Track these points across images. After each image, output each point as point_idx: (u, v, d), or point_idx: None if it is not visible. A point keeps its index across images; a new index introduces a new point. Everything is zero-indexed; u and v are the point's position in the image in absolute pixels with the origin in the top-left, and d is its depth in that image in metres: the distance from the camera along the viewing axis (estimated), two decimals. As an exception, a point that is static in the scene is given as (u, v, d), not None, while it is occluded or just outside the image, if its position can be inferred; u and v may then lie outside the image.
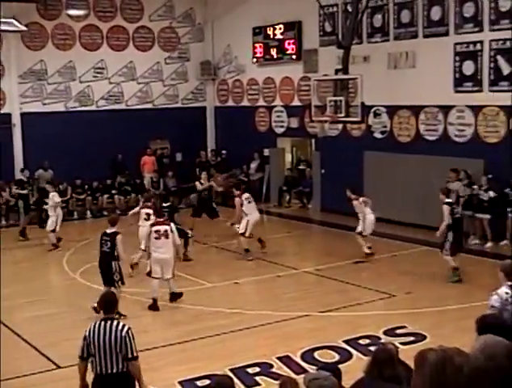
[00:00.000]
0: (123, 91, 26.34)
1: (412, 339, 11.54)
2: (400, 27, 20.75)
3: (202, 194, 20.26)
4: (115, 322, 7.59)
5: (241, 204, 17.89)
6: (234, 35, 26.56)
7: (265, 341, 11.90)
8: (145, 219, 16.22)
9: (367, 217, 17.21)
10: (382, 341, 11.05)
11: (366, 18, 21.20)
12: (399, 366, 5.58)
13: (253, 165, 25.79)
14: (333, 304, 13.84)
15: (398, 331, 11.96)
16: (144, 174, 25.77)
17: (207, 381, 9.56)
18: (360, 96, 19.58)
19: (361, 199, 17.35)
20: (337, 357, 10.85)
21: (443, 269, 15.25)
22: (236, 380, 9.30)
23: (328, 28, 22.59)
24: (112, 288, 12.20)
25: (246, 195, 18.15)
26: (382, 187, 20.92)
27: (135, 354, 7.53)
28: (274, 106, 25.59)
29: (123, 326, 7.58)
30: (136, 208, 17.87)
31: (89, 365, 7.70)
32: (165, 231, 13.80)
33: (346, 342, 11.46)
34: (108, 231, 13.21)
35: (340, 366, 6.97)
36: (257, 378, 10.15)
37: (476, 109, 18.96)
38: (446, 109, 19.73)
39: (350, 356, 10.93)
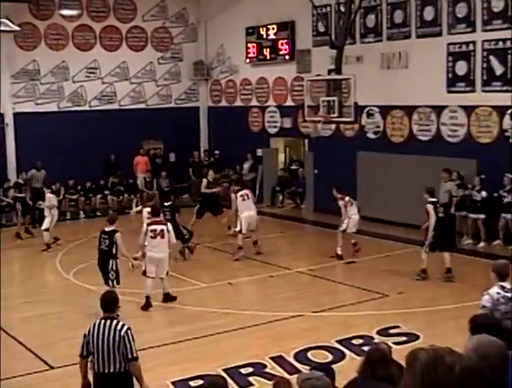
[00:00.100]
0: (116, 91, 26.31)
1: (405, 338, 11.55)
2: (393, 27, 20.78)
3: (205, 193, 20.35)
4: (114, 322, 7.57)
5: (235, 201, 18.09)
6: (227, 36, 26.55)
7: (258, 341, 11.89)
8: (148, 218, 16.23)
9: (352, 218, 17.27)
10: (375, 341, 11.06)
11: (359, 18, 21.22)
12: (392, 366, 5.59)
13: (247, 165, 25.78)
14: (326, 304, 13.85)
15: (391, 331, 11.98)
16: (137, 174, 25.74)
17: (201, 382, 9.57)
18: (353, 96, 19.60)
19: (346, 198, 17.38)
20: (330, 357, 10.85)
21: (436, 269, 15.29)
22: (229, 380, 9.30)
23: (321, 28, 22.61)
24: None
25: (242, 192, 18.15)
26: (375, 188, 20.98)
27: (135, 354, 7.51)
28: (268, 106, 25.60)
29: (123, 325, 7.56)
30: (139, 207, 17.91)
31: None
32: (162, 231, 13.81)
33: (339, 342, 11.46)
34: (107, 229, 13.22)
35: (333, 366, 6.97)
36: (250, 379, 10.15)
37: (469, 109, 19.00)
38: (439, 109, 19.77)
39: (343, 356, 10.93)
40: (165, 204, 17.32)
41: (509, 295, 7.83)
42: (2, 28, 22.50)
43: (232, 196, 18.56)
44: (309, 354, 10.98)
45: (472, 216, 18.31)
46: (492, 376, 3.78)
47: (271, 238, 19.94)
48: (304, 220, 22.98)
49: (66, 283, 15.98)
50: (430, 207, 15.11)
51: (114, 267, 13.06)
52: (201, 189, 20.41)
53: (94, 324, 7.63)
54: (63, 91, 25.34)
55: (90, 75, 25.74)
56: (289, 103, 24.62)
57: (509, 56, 17.95)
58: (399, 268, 16.01)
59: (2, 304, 13.43)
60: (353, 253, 17.41)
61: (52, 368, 10.75)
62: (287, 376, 9.17)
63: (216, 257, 18.19)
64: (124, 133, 25.03)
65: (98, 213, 23.98)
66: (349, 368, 8.02)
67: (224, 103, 27.64)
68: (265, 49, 24.93)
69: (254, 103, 26.18)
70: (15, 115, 24.38)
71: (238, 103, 26.90)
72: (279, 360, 10.77)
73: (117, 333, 7.46)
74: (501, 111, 18.24)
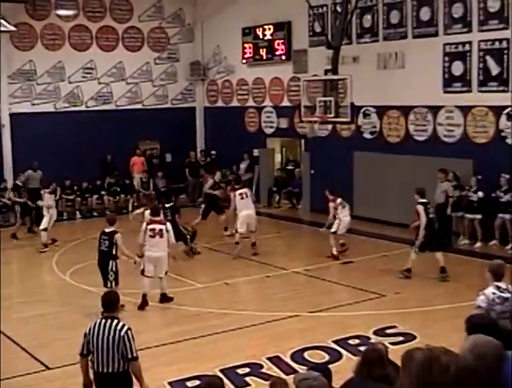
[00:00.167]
0: (113, 92, 26.30)
1: (402, 338, 11.57)
2: (389, 27, 20.79)
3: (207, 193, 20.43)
4: (115, 322, 7.60)
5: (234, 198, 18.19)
6: (224, 36, 26.55)
7: (255, 341, 11.90)
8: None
9: (343, 220, 17.32)
10: (372, 341, 11.06)
11: (355, 18, 21.23)
12: (389, 366, 5.59)
13: (243, 165, 25.77)
14: (322, 304, 13.87)
15: (388, 331, 11.99)
16: (133, 174, 25.72)
17: (198, 382, 9.57)
18: (350, 97, 19.60)
19: (338, 200, 17.40)
20: (326, 357, 10.85)
21: (431, 269, 15.32)
22: (226, 380, 9.31)
23: (317, 29, 22.61)
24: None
25: (241, 190, 18.21)
26: (372, 188, 21.00)
27: (134, 355, 7.54)
28: (264, 106, 25.59)
29: (123, 326, 7.58)
30: (141, 209, 17.95)
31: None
32: (160, 230, 13.84)
33: (336, 342, 11.47)
34: (107, 230, 13.23)
35: (330, 366, 6.98)
36: (247, 379, 10.15)
37: (465, 109, 19.03)
38: (435, 109, 19.79)
39: (340, 356, 10.94)
40: (166, 205, 17.37)
41: (504, 295, 7.85)
42: (-1, 29, 22.51)
43: (231, 194, 18.58)
44: (306, 354, 10.99)
45: (469, 216, 18.32)
46: (488, 376, 3.79)
47: (268, 238, 19.94)
48: (300, 220, 22.99)
49: (63, 283, 15.96)
50: (420, 208, 15.21)
51: (113, 268, 13.09)
52: (204, 189, 20.40)
53: (95, 323, 7.66)
54: (59, 92, 25.32)
55: (87, 75, 25.72)
56: (285, 103, 24.62)
57: (506, 57, 17.97)
58: (395, 268, 16.02)
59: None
60: (340, 253, 17.47)
61: (48, 368, 10.75)
62: (283, 376, 9.18)
63: (213, 257, 18.18)
64: (121, 134, 25.02)
65: (95, 214, 24.00)
66: (345, 368, 8.02)
67: (220, 104, 27.64)
68: (261, 49, 24.93)
69: (251, 103, 26.17)
70: (12, 115, 24.34)
71: (235, 103, 26.90)
72: (275, 360, 10.78)
73: (117, 333, 7.49)
74: (498, 111, 18.27)
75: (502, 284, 7.96)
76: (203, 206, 20.51)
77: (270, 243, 19.68)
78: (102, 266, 13.18)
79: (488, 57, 18.37)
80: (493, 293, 7.84)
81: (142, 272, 13.88)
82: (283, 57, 24.21)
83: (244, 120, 26.39)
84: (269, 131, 25.56)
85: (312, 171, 23.45)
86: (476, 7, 18.49)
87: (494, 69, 18.26)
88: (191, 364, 10.64)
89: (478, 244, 18.19)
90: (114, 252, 13.05)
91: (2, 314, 12.85)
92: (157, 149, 27.13)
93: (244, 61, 25.77)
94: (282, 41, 24.15)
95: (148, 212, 16.48)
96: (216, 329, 12.34)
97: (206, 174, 25.53)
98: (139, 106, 26.85)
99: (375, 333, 11.88)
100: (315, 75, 22.05)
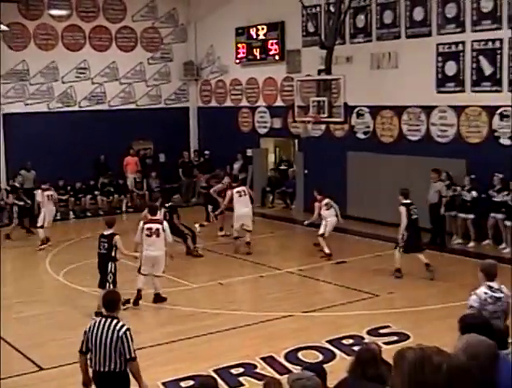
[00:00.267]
0: (106, 92, 26.27)
1: (395, 338, 11.59)
2: (382, 27, 20.82)
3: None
4: (114, 321, 7.62)
5: (231, 197, 18.18)
6: (217, 36, 26.54)
7: (249, 341, 11.91)
8: None
9: (329, 220, 17.35)
10: (365, 341, 11.08)
11: (348, 18, 21.25)
12: (382, 366, 5.61)
13: (237, 165, 25.74)
14: (316, 304, 13.88)
15: (381, 331, 12.01)
16: (127, 174, 25.70)
17: (192, 382, 9.57)
18: (343, 97, 19.61)
19: (325, 201, 17.43)
20: (320, 357, 10.86)
21: (422, 268, 15.33)
22: (220, 381, 9.30)
23: (311, 29, 22.62)
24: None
25: (239, 188, 18.29)
26: (365, 188, 21.02)
27: (133, 355, 7.57)
28: (258, 106, 25.59)
29: (122, 326, 7.60)
30: (144, 212, 17.89)
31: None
32: (157, 229, 13.85)
33: (330, 342, 11.48)
34: (105, 233, 13.20)
35: (323, 366, 6.99)
36: (241, 379, 10.15)
37: (459, 109, 19.06)
38: (428, 109, 19.82)
39: (334, 356, 10.95)
40: (166, 205, 17.38)
41: (496, 295, 7.88)
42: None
43: (229, 192, 18.54)
44: (300, 354, 10.99)
45: (462, 216, 18.34)
46: (481, 375, 3.80)
47: (262, 238, 19.94)
48: (294, 220, 22.95)
49: (56, 284, 15.94)
50: (402, 209, 15.31)
51: (112, 270, 13.06)
52: (211, 192, 20.31)
53: (95, 322, 7.71)
54: (52, 92, 25.27)
55: (80, 75, 25.68)
56: (279, 103, 24.62)
57: (499, 57, 18.01)
58: (389, 268, 16.04)
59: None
60: (317, 251, 17.53)
61: (41, 369, 10.72)
62: (277, 376, 9.18)
63: (207, 257, 18.17)
64: (114, 134, 24.99)
65: (88, 214, 23.96)
66: (339, 368, 8.03)
67: (214, 104, 27.63)
68: (255, 49, 24.92)
69: (244, 103, 26.17)
70: (5, 115, 24.29)
71: (228, 103, 26.89)
72: (269, 360, 10.78)
73: (115, 333, 7.51)
74: (491, 111, 18.31)
75: (494, 284, 7.98)
76: (210, 208, 20.32)
77: (264, 243, 19.68)
78: (102, 268, 13.15)
79: (481, 57, 18.41)
80: (485, 293, 7.86)
81: (139, 270, 13.89)
82: (277, 57, 24.22)
83: (237, 120, 26.39)
84: (262, 131, 25.56)
85: (306, 171, 23.46)
86: (469, 7, 18.53)
87: (487, 69, 18.30)
88: (186, 365, 10.64)
89: (471, 244, 18.22)
90: (113, 254, 13.03)
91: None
92: (150, 149, 27.11)
93: (237, 61, 25.77)
94: (275, 41, 24.15)
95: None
96: (210, 329, 12.34)
97: (199, 174, 25.59)
98: (132, 106, 26.82)
99: (368, 333, 11.89)
100: (308, 75, 22.06)
